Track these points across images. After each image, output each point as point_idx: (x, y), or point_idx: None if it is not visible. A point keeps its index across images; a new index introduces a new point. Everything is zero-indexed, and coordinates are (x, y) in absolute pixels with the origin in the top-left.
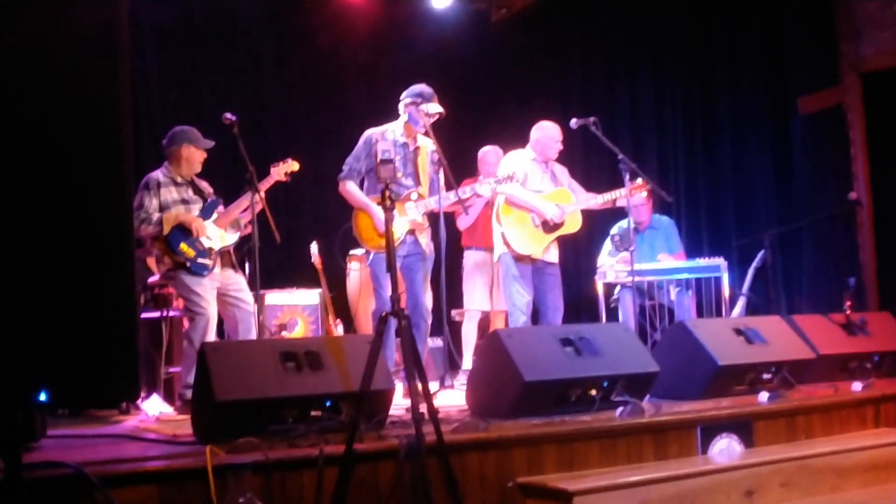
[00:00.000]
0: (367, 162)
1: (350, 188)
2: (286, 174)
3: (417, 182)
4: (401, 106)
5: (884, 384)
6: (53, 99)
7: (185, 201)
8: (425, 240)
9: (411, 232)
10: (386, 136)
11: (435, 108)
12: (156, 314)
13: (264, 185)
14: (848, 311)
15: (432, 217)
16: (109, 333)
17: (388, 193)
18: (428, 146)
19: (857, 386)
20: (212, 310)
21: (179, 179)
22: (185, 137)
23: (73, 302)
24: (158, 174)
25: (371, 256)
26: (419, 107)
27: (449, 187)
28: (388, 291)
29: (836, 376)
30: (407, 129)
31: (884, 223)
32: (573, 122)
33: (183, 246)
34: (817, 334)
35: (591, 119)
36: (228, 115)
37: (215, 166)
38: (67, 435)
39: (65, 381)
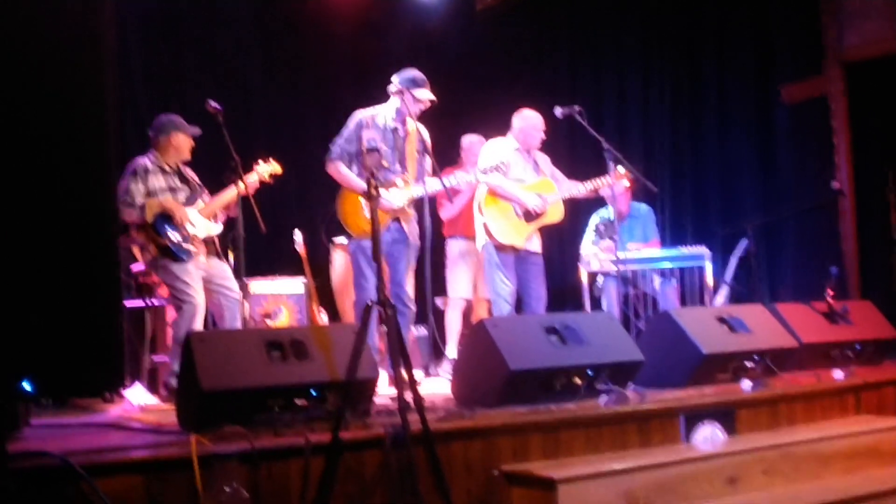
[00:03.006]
0: (357, 145)
1: (342, 170)
2: (269, 175)
3: (404, 168)
4: (391, 89)
5: (865, 372)
6: (39, 88)
7: (171, 189)
8: (410, 227)
9: (396, 219)
10: (376, 120)
11: (426, 94)
12: (139, 303)
13: (251, 186)
14: (830, 300)
15: (418, 204)
16: (93, 323)
17: (373, 182)
18: (418, 131)
19: (838, 374)
20: (199, 298)
21: (167, 167)
22: (173, 125)
23: (57, 291)
24: (146, 161)
25: (354, 244)
26: (410, 92)
27: (434, 174)
28: (371, 281)
29: (818, 364)
30: (397, 114)
31: (866, 212)
32: (558, 111)
33: (168, 230)
34: (800, 323)
35: (576, 108)
36: (213, 104)
37: (199, 155)
38: (51, 424)
39: (49, 370)
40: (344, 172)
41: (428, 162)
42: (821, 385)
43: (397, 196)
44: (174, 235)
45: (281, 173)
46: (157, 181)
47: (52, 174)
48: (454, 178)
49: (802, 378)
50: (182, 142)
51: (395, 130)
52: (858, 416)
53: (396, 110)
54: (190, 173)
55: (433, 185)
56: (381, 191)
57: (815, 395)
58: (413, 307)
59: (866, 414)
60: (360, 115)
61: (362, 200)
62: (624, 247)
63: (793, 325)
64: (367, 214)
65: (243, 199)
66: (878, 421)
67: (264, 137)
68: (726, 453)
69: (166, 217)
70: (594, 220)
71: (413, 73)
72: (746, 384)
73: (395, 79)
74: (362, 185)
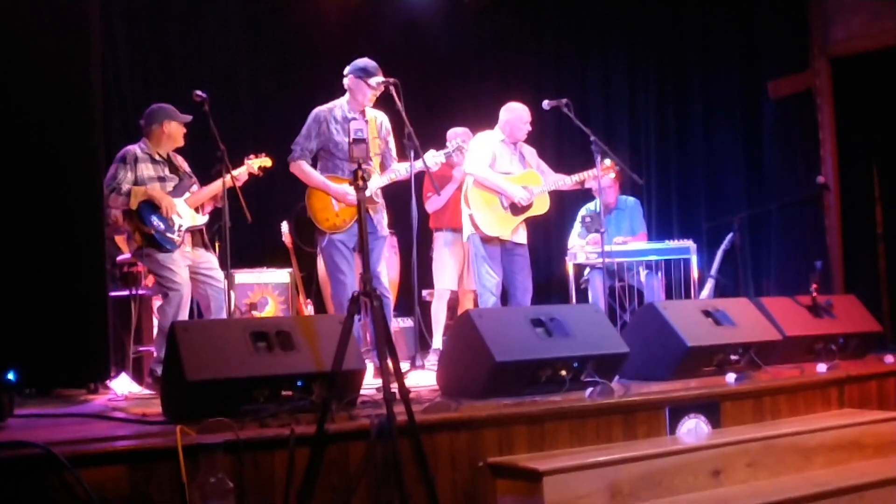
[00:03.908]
0: (318, 141)
1: (305, 168)
2: (259, 168)
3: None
4: (345, 81)
5: (848, 366)
6: (24, 77)
7: (160, 178)
8: (378, 217)
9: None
10: (334, 114)
11: (379, 80)
12: (125, 293)
13: (239, 177)
14: (814, 294)
15: (404, 196)
16: (79, 313)
17: (360, 173)
18: (377, 119)
19: (822, 367)
20: (185, 287)
21: (157, 156)
22: (166, 114)
23: (43, 281)
24: (136, 149)
25: (325, 239)
26: (364, 81)
27: (416, 156)
28: (348, 274)
29: (801, 358)
30: (354, 104)
31: (851, 207)
32: (546, 104)
33: (154, 219)
34: (784, 316)
35: (564, 101)
36: (199, 93)
37: (185, 145)
38: (35, 414)
39: (33, 360)
40: (307, 170)
41: (392, 149)
42: (804, 378)
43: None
44: (159, 225)
45: (271, 166)
46: (147, 170)
47: (37, 164)
48: (421, 162)
49: (786, 371)
50: (175, 130)
51: (354, 121)
52: (841, 409)
53: (351, 101)
54: (180, 162)
55: (400, 170)
56: (345, 185)
57: (799, 389)
58: (390, 295)
59: (849, 407)
60: (318, 111)
61: (335, 190)
62: (611, 240)
63: (777, 319)
64: (336, 209)
65: (230, 190)
66: (860, 414)
67: (251, 127)
68: (711, 446)
69: (152, 206)
70: (581, 212)
71: (364, 62)
72: (731, 377)
73: (346, 70)
74: (326, 181)
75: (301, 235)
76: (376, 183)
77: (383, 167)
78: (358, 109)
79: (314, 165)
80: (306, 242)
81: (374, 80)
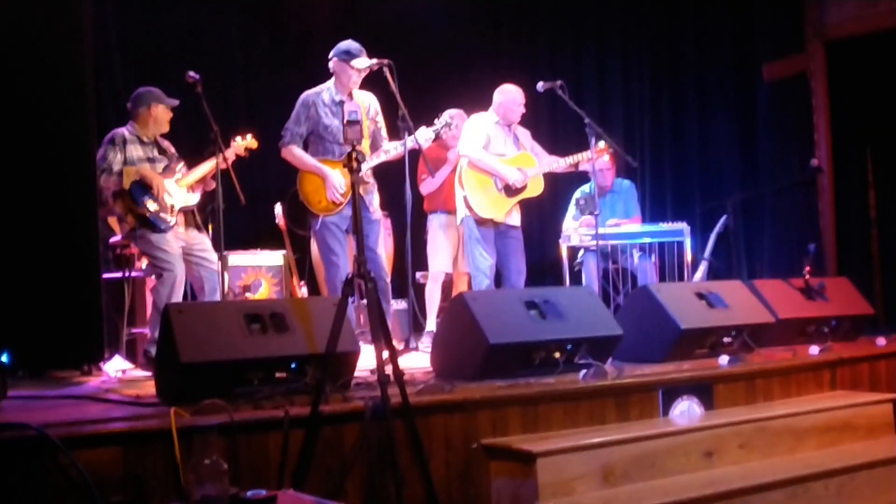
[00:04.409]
0: (308, 125)
1: (296, 152)
2: (245, 150)
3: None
4: (330, 64)
5: (840, 348)
6: (16, 60)
7: (150, 159)
8: (369, 198)
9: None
10: (322, 97)
11: (363, 62)
12: (118, 274)
13: (227, 158)
14: (807, 277)
15: (398, 178)
16: (72, 295)
17: (354, 155)
18: (365, 101)
19: (814, 350)
20: (179, 267)
21: (145, 139)
22: (153, 97)
23: (35, 263)
24: (124, 131)
25: (318, 222)
26: (348, 64)
27: (410, 131)
28: (341, 256)
29: (794, 340)
30: (340, 87)
31: (844, 190)
32: (540, 86)
33: (146, 199)
34: (777, 299)
35: (558, 82)
36: (192, 74)
37: (178, 126)
38: (29, 396)
39: (27, 342)
40: (298, 154)
41: (382, 128)
42: (797, 360)
43: None
44: (151, 205)
45: (256, 147)
46: (136, 151)
47: (31, 146)
48: (411, 140)
49: (779, 353)
50: (161, 114)
51: (341, 103)
52: (833, 391)
53: (338, 83)
54: (167, 145)
55: (391, 150)
56: (338, 171)
57: (792, 371)
58: (387, 278)
59: (841, 389)
60: (306, 95)
61: (327, 174)
62: (605, 222)
63: (770, 301)
64: (329, 194)
65: (223, 172)
66: (852, 396)
67: (244, 108)
68: (703, 427)
69: (143, 186)
70: (576, 195)
71: (347, 44)
72: (724, 359)
73: (331, 54)
74: (319, 164)
75: (294, 218)
76: (367, 163)
77: (374, 148)
78: (345, 92)
79: (304, 149)
80: (299, 225)
81: (357, 62)
